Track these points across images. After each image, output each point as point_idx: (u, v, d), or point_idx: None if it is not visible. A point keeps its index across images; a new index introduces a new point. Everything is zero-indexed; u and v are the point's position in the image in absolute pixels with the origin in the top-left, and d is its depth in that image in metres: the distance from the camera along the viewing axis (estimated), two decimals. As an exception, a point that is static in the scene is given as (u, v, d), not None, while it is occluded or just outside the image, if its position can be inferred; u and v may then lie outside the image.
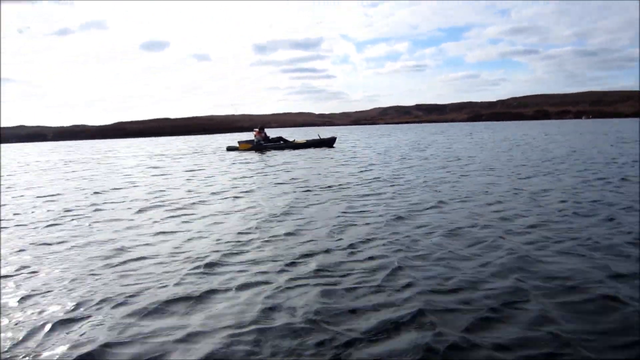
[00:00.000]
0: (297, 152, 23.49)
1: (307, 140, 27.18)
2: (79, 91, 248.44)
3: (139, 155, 29.29)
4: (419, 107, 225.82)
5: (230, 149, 27.51)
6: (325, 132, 37.69)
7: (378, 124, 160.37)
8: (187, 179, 13.25)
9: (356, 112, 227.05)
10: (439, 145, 26.38)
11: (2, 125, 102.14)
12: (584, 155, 16.07)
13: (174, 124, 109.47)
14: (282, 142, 26.09)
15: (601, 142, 23.68)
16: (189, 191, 10.49)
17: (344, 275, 4.24)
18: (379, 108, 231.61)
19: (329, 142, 26.84)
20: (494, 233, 5.53)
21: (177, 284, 4.18)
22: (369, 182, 10.57)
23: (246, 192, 10.02)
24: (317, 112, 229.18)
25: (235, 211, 7.73)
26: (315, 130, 60.35)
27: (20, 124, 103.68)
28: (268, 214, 7.28)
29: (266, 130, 27.17)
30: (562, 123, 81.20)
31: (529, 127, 65.21)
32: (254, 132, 26.37)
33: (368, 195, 8.82)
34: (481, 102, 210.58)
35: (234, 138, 41.27)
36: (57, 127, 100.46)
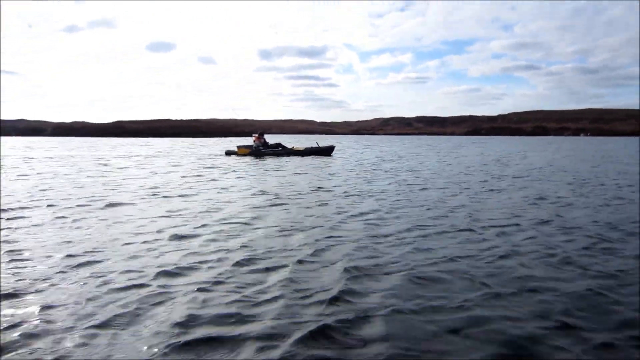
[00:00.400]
0: (294, 158, 23.76)
1: (305, 148, 27.46)
2: (82, 89, 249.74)
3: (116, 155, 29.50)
4: (420, 119, 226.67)
5: (229, 153, 27.77)
6: (325, 141, 38.03)
7: (378, 134, 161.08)
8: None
9: (358, 121, 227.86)
10: (413, 158, 26.75)
11: (4, 118, 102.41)
12: (542, 173, 16.27)
13: (174, 125, 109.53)
14: (280, 148, 26.38)
15: (580, 160, 24.14)
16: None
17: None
18: (381, 119, 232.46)
19: (327, 151, 27.13)
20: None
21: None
22: (324, 192, 11.08)
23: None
24: (319, 120, 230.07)
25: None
26: (315, 138, 60.90)
27: (21, 118, 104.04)
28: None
29: (266, 136, 27.46)
30: (557, 140, 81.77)
31: (521, 142, 66.17)
32: (253, 138, 26.66)
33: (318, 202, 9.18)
34: (482, 116, 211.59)
35: (233, 142, 41.64)
36: (57, 123, 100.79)
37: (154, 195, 10.38)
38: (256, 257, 5.16)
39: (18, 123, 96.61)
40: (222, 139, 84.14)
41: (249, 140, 28.37)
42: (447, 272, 4.63)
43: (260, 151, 25.90)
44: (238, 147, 27.40)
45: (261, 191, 10.99)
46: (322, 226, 6.90)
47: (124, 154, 30.90)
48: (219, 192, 10.92)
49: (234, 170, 17.26)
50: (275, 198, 9.88)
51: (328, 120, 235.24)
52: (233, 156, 26.23)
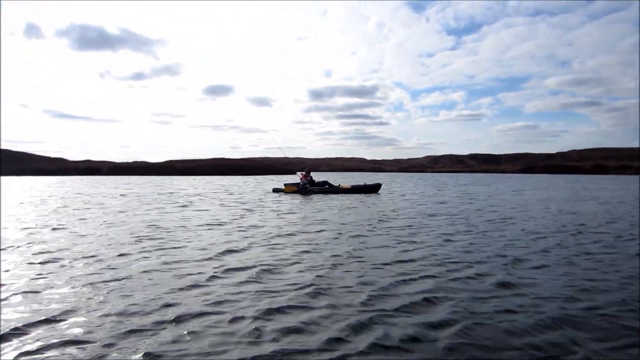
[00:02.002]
0: (340, 196, 23.80)
1: (352, 186, 27.53)
2: (143, 131, 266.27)
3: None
4: (473, 156, 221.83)
5: (276, 190, 28.30)
6: (372, 178, 37.93)
7: (426, 171, 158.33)
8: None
9: (408, 159, 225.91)
10: (447, 193, 25.92)
11: (72, 159, 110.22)
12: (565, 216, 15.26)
13: (229, 163, 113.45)
14: (327, 186, 26.58)
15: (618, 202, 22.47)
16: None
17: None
18: (432, 156, 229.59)
19: (373, 189, 27.03)
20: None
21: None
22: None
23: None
24: (369, 157, 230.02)
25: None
26: (363, 175, 60.89)
27: (87, 159, 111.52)
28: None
29: (314, 173, 27.83)
30: (616, 179, 76.84)
31: (573, 180, 62.50)
32: (300, 175, 27.09)
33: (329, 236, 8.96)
34: (538, 154, 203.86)
35: (281, 180, 42.50)
36: (112, 163, 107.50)
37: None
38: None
39: (81, 164, 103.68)
40: (274, 176, 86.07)
41: (295, 178, 28.87)
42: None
43: (306, 189, 26.22)
44: (285, 184, 27.91)
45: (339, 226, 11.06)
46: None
47: (186, 189, 32.18)
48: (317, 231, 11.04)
49: (285, 208, 17.50)
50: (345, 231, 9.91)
51: (379, 157, 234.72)
52: (280, 194, 26.69)
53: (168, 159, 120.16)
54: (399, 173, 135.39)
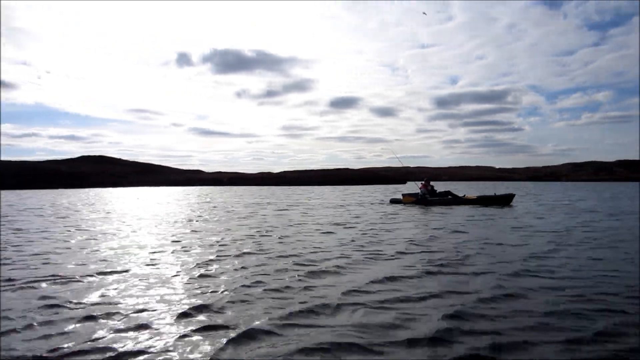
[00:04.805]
0: (465, 208, 21.17)
1: (478, 196, 24.62)
2: (275, 144, 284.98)
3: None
4: (621, 162, 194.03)
5: (393, 201, 26.54)
6: (495, 188, 33.68)
7: (561, 180, 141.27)
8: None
9: (544, 167, 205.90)
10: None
11: (208, 171, 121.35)
12: None
13: (352, 173, 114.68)
14: (449, 196, 24.06)
15: None
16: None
17: None
18: (571, 164, 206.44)
19: (504, 200, 23.80)
20: None
21: None
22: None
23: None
24: (497, 166, 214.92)
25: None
26: (487, 185, 55.56)
27: (218, 170, 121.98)
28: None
29: (435, 183, 25.50)
30: None
31: None
32: (420, 185, 24.99)
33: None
34: None
35: (400, 190, 40.43)
36: (232, 173, 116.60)
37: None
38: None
39: (197, 174, 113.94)
40: (395, 186, 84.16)
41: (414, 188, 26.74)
42: None
43: (426, 199, 24.02)
44: (403, 195, 26.04)
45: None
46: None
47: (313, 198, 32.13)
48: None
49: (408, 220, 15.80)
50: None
51: (509, 165, 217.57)
52: (399, 205, 24.86)
53: (295, 169, 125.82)
54: (528, 182, 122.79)
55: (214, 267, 7.63)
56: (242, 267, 7.56)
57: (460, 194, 25.19)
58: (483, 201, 23.94)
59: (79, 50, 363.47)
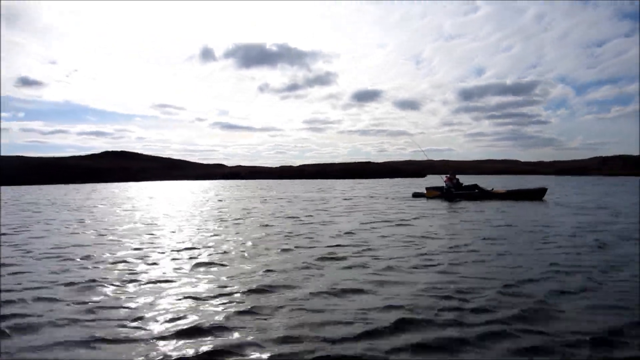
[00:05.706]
0: (493, 203, 19.81)
1: (507, 191, 23.20)
2: (297, 137, 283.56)
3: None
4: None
5: (416, 195, 25.30)
6: (520, 182, 32.04)
7: (590, 174, 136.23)
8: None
9: (571, 160, 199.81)
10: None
11: (230, 165, 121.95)
12: None
13: (373, 168, 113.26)
14: (477, 190, 22.69)
15: None
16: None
17: None
18: (599, 157, 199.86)
19: (536, 194, 22.33)
20: None
21: None
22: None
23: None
24: (523, 159, 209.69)
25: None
26: (513, 178, 53.46)
27: (238, 164, 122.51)
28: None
29: (459, 176, 24.12)
30: None
31: None
32: (444, 178, 23.66)
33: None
34: None
35: (424, 183, 39.02)
36: (250, 167, 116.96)
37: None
38: None
39: (220, 168, 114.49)
40: (419, 179, 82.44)
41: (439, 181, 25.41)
42: None
43: (451, 193, 22.72)
44: (427, 188, 24.80)
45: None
46: None
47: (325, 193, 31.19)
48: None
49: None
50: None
51: (535, 159, 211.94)
52: (422, 199, 23.61)
53: (317, 163, 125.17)
54: (554, 176, 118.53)
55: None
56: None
57: (488, 188, 23.83)
58: (512, 195, 22.56)
59: (105, 48, 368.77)
